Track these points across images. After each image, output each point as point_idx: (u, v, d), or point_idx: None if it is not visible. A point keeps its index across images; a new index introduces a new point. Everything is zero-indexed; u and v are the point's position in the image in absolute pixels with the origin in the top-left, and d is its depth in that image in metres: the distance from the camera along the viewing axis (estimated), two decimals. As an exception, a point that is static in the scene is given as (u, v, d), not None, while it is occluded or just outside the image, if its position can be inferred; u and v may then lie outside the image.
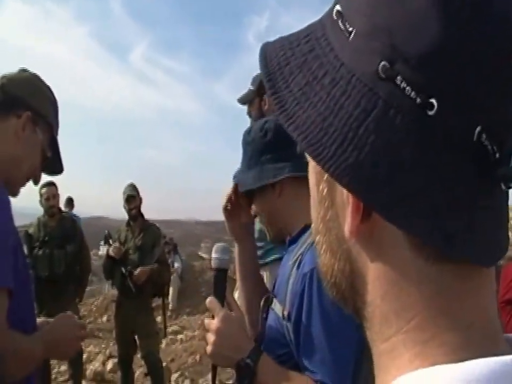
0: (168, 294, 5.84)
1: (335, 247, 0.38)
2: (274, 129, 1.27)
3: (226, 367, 1.22)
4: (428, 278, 0.33)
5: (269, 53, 0.38)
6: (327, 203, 0.38)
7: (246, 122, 2.69)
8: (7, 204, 1.12)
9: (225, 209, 1.42)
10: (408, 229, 0.32)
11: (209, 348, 1.12)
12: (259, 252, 2.84)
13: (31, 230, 4.06)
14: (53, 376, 4.84)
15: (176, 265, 10.25)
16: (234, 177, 1.38)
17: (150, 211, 4.44)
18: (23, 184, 1.30)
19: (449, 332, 0.32)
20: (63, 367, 5.23)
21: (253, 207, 1.34)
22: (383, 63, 0.31)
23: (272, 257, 2.52)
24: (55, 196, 4.13)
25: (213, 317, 1.14)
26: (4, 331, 1.06)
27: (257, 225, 2.75)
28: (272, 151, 1.25)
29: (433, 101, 0.30)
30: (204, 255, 15.55)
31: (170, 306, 9.26)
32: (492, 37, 0.30)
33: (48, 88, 1.34)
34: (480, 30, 0.30)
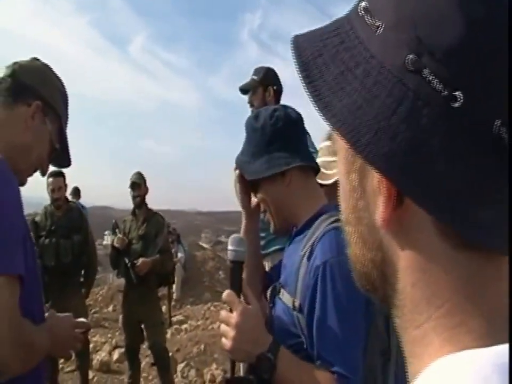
0: (173, 283, 5.82)
1: (367, 236, 0.39)
2: (285, 117, 1.25)
3: (245, 361, 1.20)
4: (456, 265, 0.34)
5: (301, 44, 0.39)
6: (358, 193, 0.38)
7: (242, 113, 2.82)
8: (18, 193, 1.10)
9: (241, 179, 1.37)
10: (438, 215, 0.32)
11: (228, 343, 1.09)
12: (262, 242, 2.87)
13: (37, 219, 4.02)
14: (60, 366, 4.83)
15: (179, 255, 10.25)
16: (237, 165, 1.35)
17: (152, 201, 4.42)
18: (30, 174, 1.29)
19: (476, 319, 0.33)
20: (69, 357, 5.23)
21: (258, 196, 1.31)
22: (410, 55, 0.32)
23: (274, 248, 2.60)
24: (61, 188, 4.05)
25: (230, 311, 1.11)
26: (20, 319, 1.04)
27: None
28: (281, 140, 1.23)
29: (458, 94, 0.31)
30: (205, 245, 15.59)
31: (174, 296, 9.28)
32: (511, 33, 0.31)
33: (59, 79, 1.33)
34: (500, 27, 0.31)
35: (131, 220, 4.20)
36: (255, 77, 2.88)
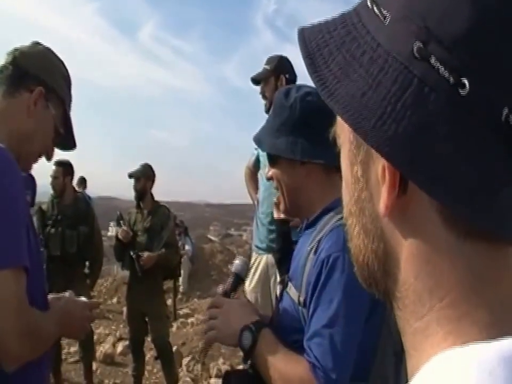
0: (179, 276, 5.76)
1: (369, 226, 0.39)
2: (318, 105, 1.19)
3: (231, 342, 1.20)
4: (460, 255, 0.33)
5: (307, 36, 0.40)
6: (361, 184, 0.39)
7: (255, 102, 2.80)
8: (20, 182, 1.10)
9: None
10: (442, 199, 0.32)
11: (214, 324, 1.18)
12: (272, 236, 2.82)
13: (44, 207, 4.00)
14: (63, 357, 4.82)
15: (186, 247, 10.21)
16: (256, 136, 1.32)
17: (159, 193, 4.34)
18: (35, 160, 1.30)
19: (481, 310, 0.33)
20: (73, 348, 5.23)
21: (273, 170, 1.27)
22: (417, 44, 0.32)
23: (286, 242, 2.55)
24: (57, 178, 4.00)
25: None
26: (28, 309, 1.05)
27: (270, 208, 2.71)
28: (309, 128, 1.19)
29: (465, 80, 0.31)
30: (213, 238, 15.56)
31: (181, 289, 9.25)
32: None
33: (61, 62, 1.33)
34: (510, 17, 0.30)
35: (136, 211, 4.13)
36: (267, 66, 2.85)
